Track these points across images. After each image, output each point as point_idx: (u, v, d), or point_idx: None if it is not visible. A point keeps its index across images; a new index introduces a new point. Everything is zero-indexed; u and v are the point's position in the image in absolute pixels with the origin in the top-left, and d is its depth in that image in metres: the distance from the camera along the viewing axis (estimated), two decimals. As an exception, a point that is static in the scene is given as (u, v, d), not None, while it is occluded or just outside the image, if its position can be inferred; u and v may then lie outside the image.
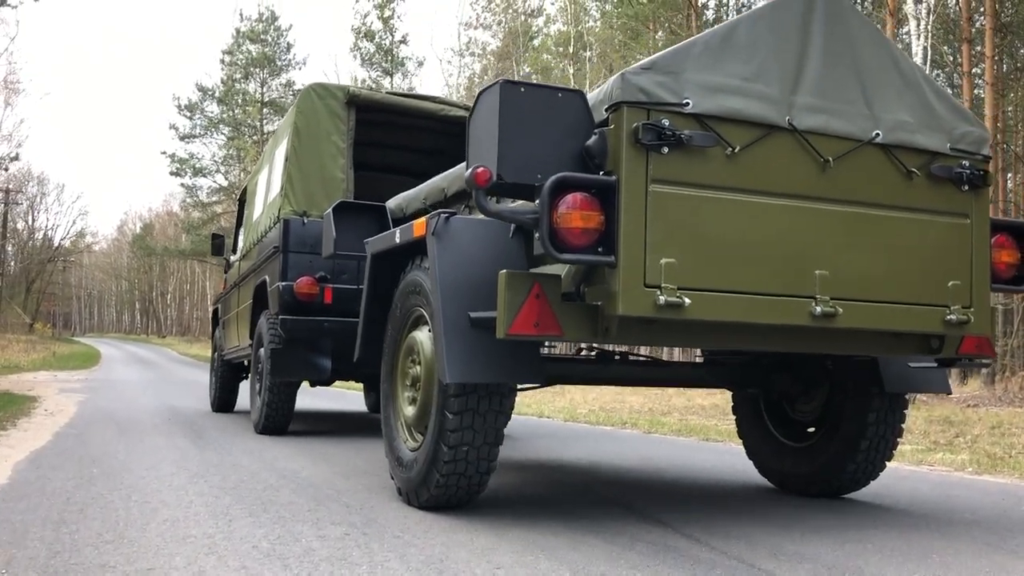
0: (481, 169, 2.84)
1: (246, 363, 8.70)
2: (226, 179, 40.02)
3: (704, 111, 2.99)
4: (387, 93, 7.17)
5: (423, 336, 3.61)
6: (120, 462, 4.92)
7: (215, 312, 10.52)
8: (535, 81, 2.95)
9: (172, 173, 38.05)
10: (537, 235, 2.85)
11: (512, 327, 2.91)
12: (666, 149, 2.91)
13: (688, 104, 2.97)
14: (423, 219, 3.44)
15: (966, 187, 3.39)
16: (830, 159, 3.16)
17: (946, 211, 3.37)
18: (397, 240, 3.77)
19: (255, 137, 37.28)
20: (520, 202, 3.25)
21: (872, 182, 3.25)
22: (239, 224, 9.59)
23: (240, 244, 9.18)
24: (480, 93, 3.08)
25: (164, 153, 37.43)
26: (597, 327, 3.01)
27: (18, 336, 42.90)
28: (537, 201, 2.85)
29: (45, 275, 66.09)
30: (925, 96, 3.37)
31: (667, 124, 2.93)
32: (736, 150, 3.03)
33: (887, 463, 4.16)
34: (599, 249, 2.89)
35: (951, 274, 3.35)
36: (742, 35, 3.10)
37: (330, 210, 5.09)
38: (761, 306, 3.04)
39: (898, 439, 4.10)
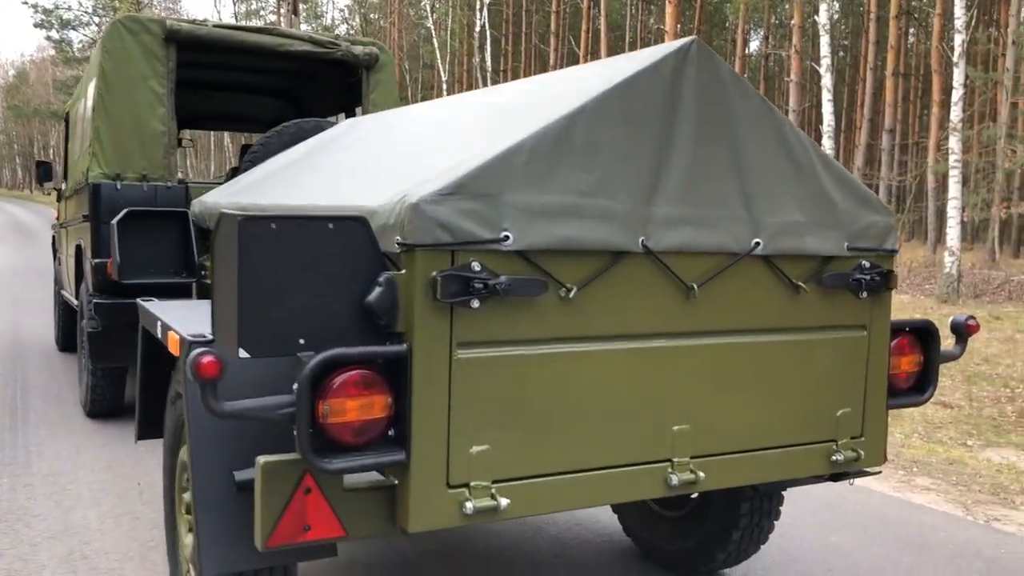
0: (207, 360, 2.03)
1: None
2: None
3: (530, 245, 2.22)
4: (215, 26, 6.03)
5: None
6: None
7: (53, 239, 9.43)
8: (296, 213, 2.22)
9: (36, 25, 34.66)
10: (296, 432, 2.10)
11: (272, 538, 2.20)
12: (477, 303, 2.16)
13: (508, 239, 2.19)
14: (177, 336, 2.64)
15: (865, 294, 2.74)
16: (695, 285, 2.45)
17: (838, 326, 2.73)
18: (159, 335, 2.96)
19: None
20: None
21: (747, 304, 2.56)
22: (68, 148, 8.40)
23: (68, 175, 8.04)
24: (220, 218, 2.23)
25: (25, 3, 33.90)
26: (395, 519, 2.32)
27: None
28: (295, 387, 2.08)
29: (-90, 128, 61.39)
30: (820, 183, 2.66)
31: (478, 269, 2.16)
32: (572, 292, 2.29)
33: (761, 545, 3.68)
34: (389, 433, 2.17)
35: (840, 401, 2.75)
36: (581, 132, 2.29)
37: (114, 222, 4.17)
38: (603, 485, 2.39)
39: (774, 522, 3.61)
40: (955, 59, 16.01)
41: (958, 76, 15.99)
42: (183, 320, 2.93)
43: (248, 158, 5.44)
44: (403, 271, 2.15)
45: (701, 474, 2.49)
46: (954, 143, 16.09)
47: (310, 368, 2.03)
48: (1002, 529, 4.53)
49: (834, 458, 2.73)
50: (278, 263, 2.09)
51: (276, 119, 8.63)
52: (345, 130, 4.42)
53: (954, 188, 16.00)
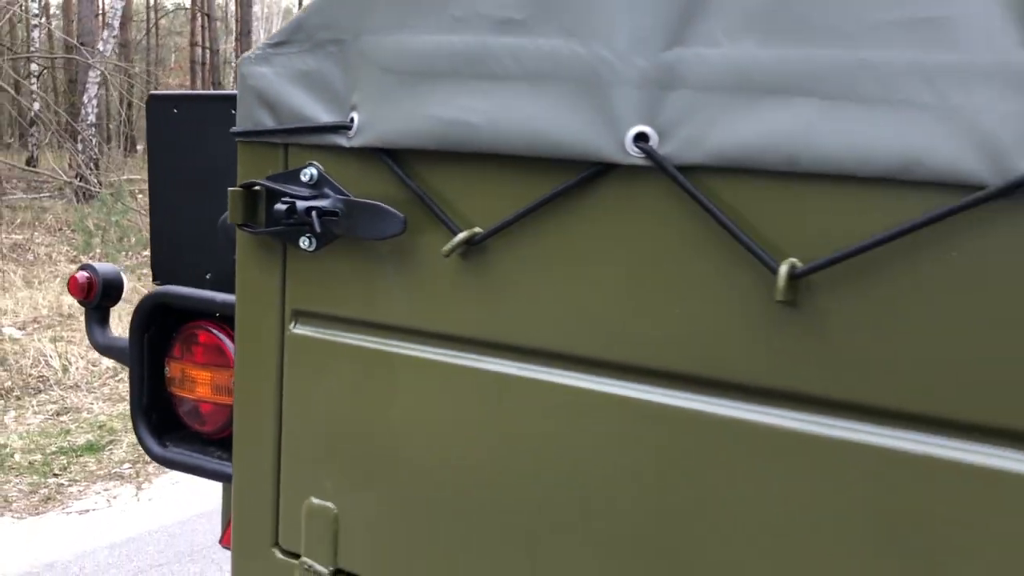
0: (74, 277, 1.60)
1: None
2: None
3: (386, 139, 1.10)
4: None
5: None
6: None
7: None
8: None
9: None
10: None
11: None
12: (310, 242, 1.18)
13: (352, 124, 1.12)
14: None
15: None
16: (796, 262, 0.85)
17: None
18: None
19: None
20: None
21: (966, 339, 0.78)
22: None
23: None
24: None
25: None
26: None
27: None
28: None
29: None
30: None
31: (312, 177, 1.17)
32: (470, 242, 1.05)
33: None
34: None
35: None
36: None
37: None
38: None
39: None
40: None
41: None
42: None
43: None
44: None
45: None
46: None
47: (139, 308, 1.44)
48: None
49: None
50: (180, 159, 1.53)
51: None
52: None
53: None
